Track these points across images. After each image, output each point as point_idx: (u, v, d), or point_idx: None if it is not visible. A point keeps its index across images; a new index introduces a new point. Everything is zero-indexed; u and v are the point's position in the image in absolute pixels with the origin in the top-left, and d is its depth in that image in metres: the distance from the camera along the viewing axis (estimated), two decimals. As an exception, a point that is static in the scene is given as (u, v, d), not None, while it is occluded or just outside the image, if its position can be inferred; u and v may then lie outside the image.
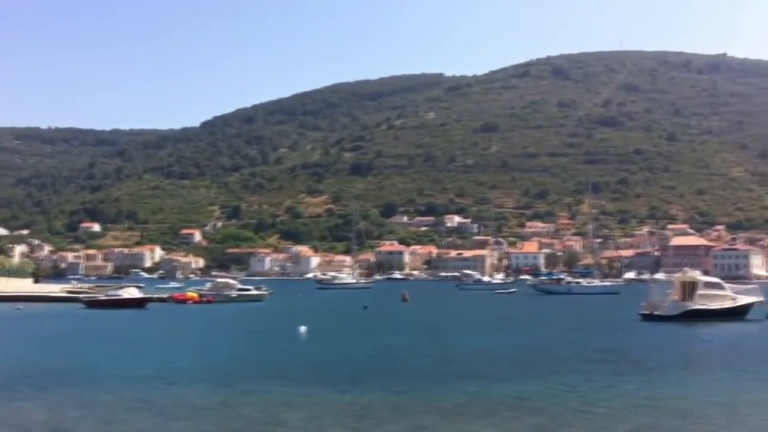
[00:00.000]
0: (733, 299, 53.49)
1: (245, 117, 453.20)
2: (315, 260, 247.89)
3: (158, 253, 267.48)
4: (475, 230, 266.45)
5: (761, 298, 54.80)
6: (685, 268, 60.00)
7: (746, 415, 20.30)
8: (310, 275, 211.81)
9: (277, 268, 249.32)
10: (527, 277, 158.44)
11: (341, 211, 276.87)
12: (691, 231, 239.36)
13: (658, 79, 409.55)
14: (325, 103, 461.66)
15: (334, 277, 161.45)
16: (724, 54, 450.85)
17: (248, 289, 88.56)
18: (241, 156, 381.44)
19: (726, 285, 56.06)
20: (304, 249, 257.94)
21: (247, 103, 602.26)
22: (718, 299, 52.70)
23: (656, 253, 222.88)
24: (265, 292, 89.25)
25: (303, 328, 44.74)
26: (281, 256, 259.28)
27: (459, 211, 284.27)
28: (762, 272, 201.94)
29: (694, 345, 39.96)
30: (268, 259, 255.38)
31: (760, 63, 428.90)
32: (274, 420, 19.66)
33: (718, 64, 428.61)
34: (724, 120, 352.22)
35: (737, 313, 52.76)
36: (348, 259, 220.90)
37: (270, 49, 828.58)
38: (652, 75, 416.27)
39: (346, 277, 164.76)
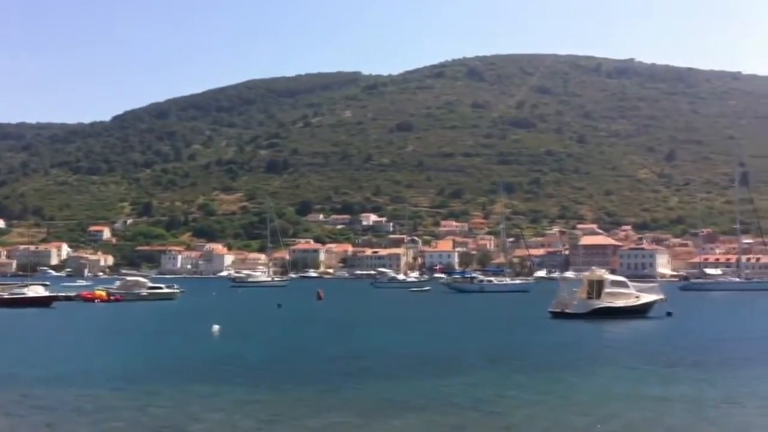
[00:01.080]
0: (637, 297, 55.46)
1: (158, 112, 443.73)
2: (229, 258, 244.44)
3: (65, 250, 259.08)
4: (391, 229, 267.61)
5: (662, 296, 56.90)
6: (593, 267, 61.68)
7: (649, 410, 20.94)
8: (223, 273, 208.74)
9: (189, 267, 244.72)
10: (441, 275, 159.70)
11: (256, 208, 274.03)
12: (600, 231, 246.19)
13: (569, 83, 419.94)
14: (239, 99, 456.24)
15: (249, 276, 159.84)
16: (632, 59, 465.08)
17: (159, 287, 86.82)
18: (153, 151, 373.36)
19: (630, 283, 57.99)
20: (217, 247, 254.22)
21: (160, 97, 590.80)
22: (623, 297, 54.56)
23: (566, 252, 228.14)
24: (177, 291, 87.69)
25: (216, 327, 44.17)
26: (194, 254, 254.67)
27: (375, 210, 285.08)
28: (666, 271, 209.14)
29: (600, 342, 40.77)
30: (180, 257, 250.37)
31: (666, 68, 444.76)
32: (185, 420, 19.37)
33: (626, 69, 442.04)
34: (632, 123, 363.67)
35: (641, 311, 54.75)
36: (263, 257, 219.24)
37: (183, 43, 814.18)
38: (564, 78, 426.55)
39: (261, 275, 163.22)
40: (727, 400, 22.27)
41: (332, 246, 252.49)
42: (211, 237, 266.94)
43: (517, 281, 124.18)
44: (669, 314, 55.26)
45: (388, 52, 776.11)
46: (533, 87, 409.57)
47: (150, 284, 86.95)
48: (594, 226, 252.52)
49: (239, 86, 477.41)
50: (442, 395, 22.53)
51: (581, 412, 20.44)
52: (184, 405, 21.19)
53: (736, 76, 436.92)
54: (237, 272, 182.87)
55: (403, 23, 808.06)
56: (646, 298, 55.85)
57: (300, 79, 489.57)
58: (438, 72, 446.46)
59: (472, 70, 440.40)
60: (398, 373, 27.04)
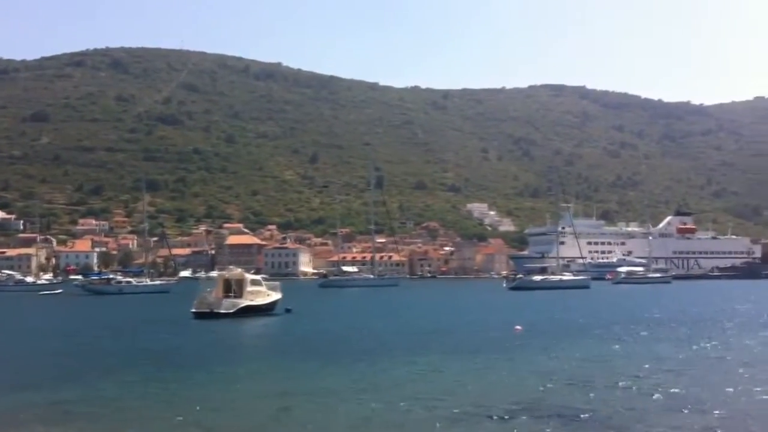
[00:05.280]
0: (269, 295, 58.16)
1: None
2: None
3: None
4: (21, 227, 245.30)
5: (280, 295, 59.74)
6: (230, 267, 61.80)
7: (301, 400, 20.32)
8: None
9: None
10: (77, 277, 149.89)
11: None
12: (246, 230, 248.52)
13: (217, 82, 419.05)
14: None
15: None
16: (280, 63, 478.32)
17: None
18: None
19: (263, 282, 60.44)
20: None
21: None
22: (261, 295, 56.82)
23: (212, 252, 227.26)
24: None
25: None
26: None
27: (2, 206, 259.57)
28: (309, 269, 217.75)
29: (246, 338, 42.82)
30: None
31: (311, 74, 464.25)
32: None
33: (274, 73, 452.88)
34: (279, 126, 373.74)
35: (271, 309, 57.50)
36: None
37: None
38: (212, 77, 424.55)
39: None
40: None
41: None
42: None
43: (158, 282, 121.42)
44: (288, 311, 58.50)
45: (21, 36, 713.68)
46: (181, 83, 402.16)
47: None
48: (240, 225, 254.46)
49: None
50: (78, 404, 20.89)
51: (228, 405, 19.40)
52: None
53: (373, 87, 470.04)
54: None
55: (36, 5, 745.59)
56: (275, 296, 58.79)
57: None
58: (78, 60, 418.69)
59: (117, 62, 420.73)
60: (22, 382, 24.62)
